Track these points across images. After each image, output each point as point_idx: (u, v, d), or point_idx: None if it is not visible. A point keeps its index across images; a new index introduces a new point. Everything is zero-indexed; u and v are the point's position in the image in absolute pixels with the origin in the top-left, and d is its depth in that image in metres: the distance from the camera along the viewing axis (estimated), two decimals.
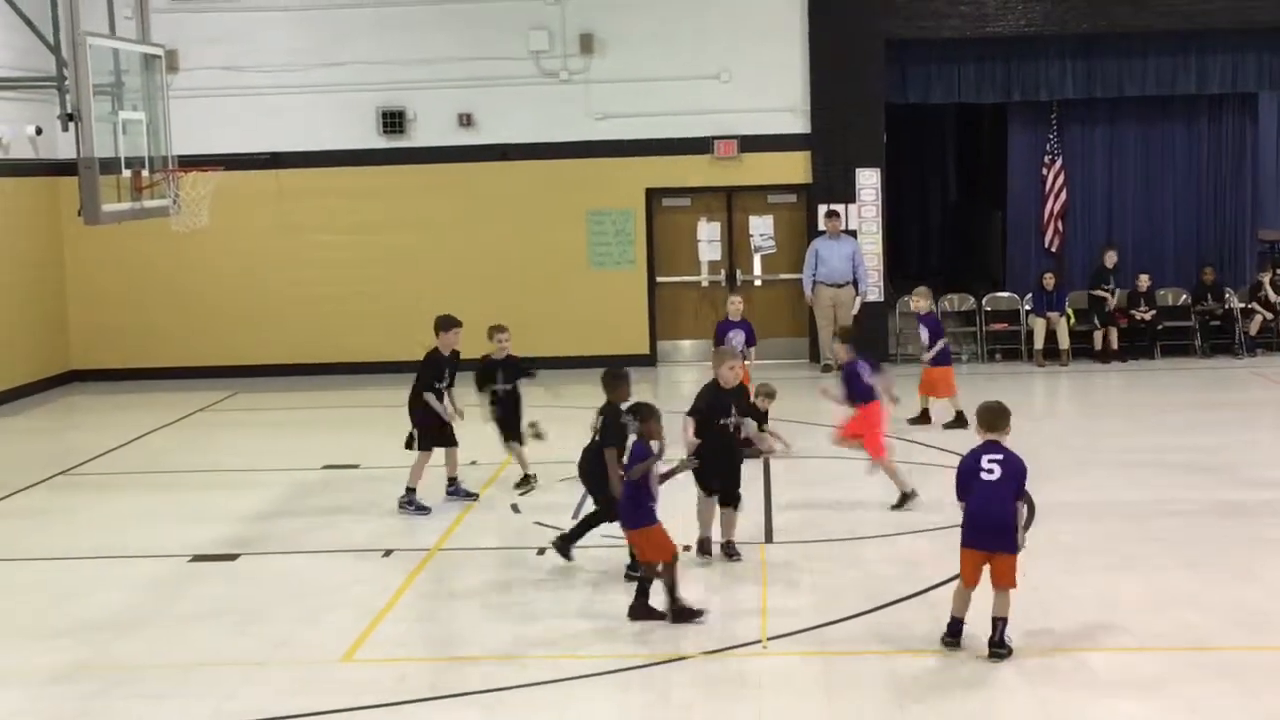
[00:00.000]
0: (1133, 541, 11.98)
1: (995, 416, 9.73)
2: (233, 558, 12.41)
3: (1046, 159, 22.79)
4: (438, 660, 9.78)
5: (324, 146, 22.12)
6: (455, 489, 14.03)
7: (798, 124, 21.92)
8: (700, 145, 21.93)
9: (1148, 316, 21.76)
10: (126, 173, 14.50)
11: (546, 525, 12.80)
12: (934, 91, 22.62)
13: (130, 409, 20.03)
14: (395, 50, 21.92)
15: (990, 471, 9.44)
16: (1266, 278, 22.23)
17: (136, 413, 19.52)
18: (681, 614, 10.29)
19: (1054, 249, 22.85)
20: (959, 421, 16.48)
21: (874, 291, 21.85)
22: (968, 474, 9.55)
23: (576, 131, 21.99)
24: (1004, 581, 9.39)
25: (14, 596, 11.66)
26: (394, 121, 22.07)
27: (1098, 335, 21.63)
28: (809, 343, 22.12)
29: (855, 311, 21.28)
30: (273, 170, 22.11)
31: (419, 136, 22.18)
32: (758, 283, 22.30)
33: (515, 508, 13.63)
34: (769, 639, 9.92)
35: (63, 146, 18.60)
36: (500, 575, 11.71)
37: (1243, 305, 21.96)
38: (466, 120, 22.06)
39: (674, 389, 20.05)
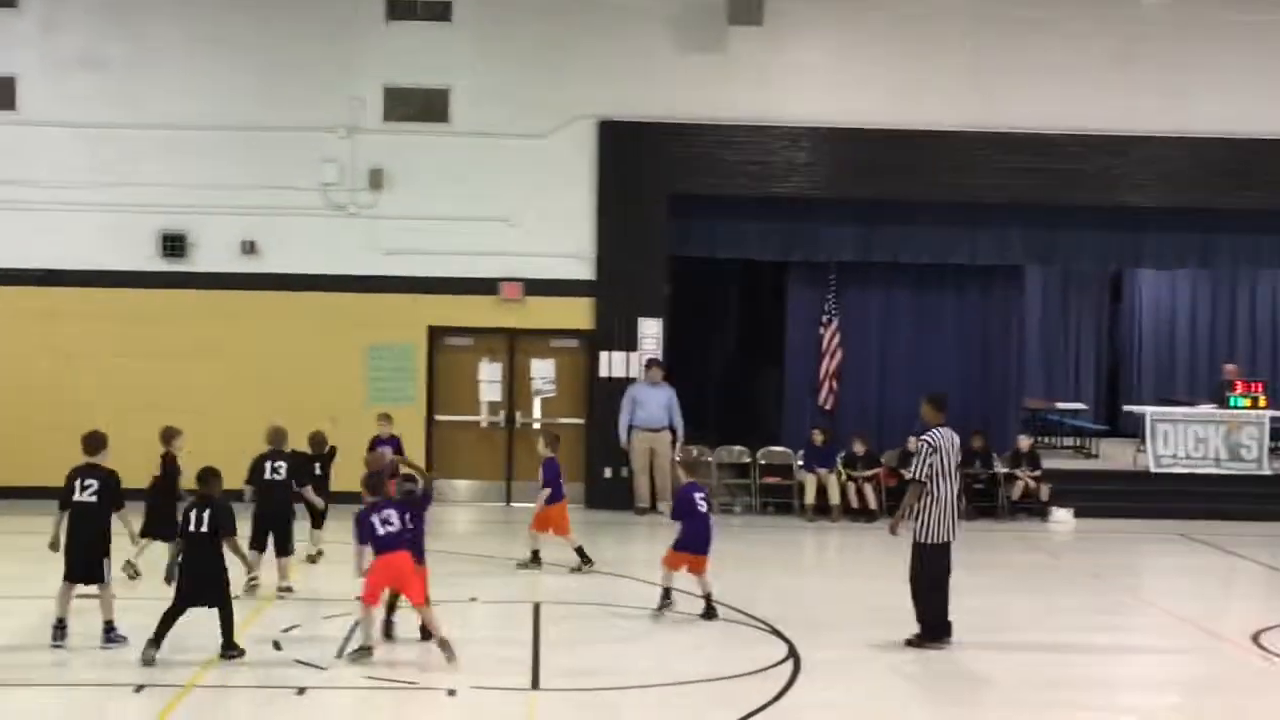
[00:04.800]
0: (896, 699, 12.11)
1: (698, 466, 16.38)
2: None
3: (824, 319, 23.36)
4: None
5: (101, 266, 21.65)
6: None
7: (584, 270, 22.17)
8: (486, 286, 22.02)
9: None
10: None
11: (307, 663, 12.50)
12: (718, 246, 23.13)
13: None
14: (180, 173, 21.69)
15: (701, 505, 14.50)
16: (1026, 444, 22.94)
17: None
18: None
19: (828, 407, 23.35)
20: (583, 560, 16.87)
21: None
22: (687, 502, 14.46)
23: (362, 265, 21.92)
24: (704, 569, 14.35)
25: None
26: (175, 245, 21.72)
27: (853, 490, 21.98)
28: (583, 487, 21.91)
29: (677, 456, 21.02)
30: (45, 288, 21.53)
31: (200, 261, 21.85)
32: (536, 425, 22.26)
33: (277, 645, 13.25)
34: None
35: None
36: (257, 713, 11.35)
37: (1006, 470, 22.63)
38: (250, 247, 21.82)
39: (447, 528, 19.88)
